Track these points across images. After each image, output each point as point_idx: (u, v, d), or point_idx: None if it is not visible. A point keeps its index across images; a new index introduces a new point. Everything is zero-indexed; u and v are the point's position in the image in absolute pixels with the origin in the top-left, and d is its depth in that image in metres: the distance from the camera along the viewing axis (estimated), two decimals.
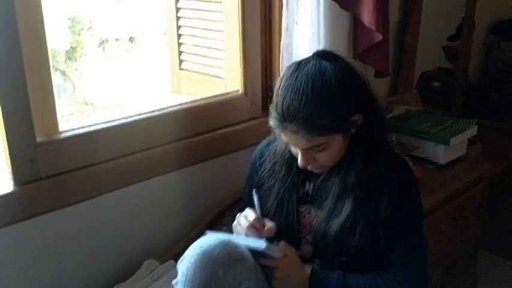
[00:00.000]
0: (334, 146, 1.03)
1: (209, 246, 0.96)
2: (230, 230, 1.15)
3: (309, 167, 1.07)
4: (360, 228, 1.05)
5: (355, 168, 1.05)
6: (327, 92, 0.98)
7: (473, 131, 1.77)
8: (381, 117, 1.11)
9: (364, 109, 1.03)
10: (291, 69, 1.02)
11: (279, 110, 1.00)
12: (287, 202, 1.12)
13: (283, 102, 0.99)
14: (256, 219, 1.06)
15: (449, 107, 2.27)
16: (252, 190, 1.15)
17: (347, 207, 1.05)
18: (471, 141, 1.83)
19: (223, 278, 0.95)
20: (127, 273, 1.31)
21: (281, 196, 1.12)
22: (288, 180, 1.12)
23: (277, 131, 1.04)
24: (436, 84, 2.31)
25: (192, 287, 0.94)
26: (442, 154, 1.70)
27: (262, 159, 1.19)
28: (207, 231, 1.07)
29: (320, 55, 1.03)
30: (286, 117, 0.99)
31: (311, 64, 1.00)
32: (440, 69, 2.35)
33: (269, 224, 1.07)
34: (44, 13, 1.15)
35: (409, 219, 1.09)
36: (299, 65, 1.02)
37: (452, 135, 1.69)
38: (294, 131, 0.99)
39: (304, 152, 1.03)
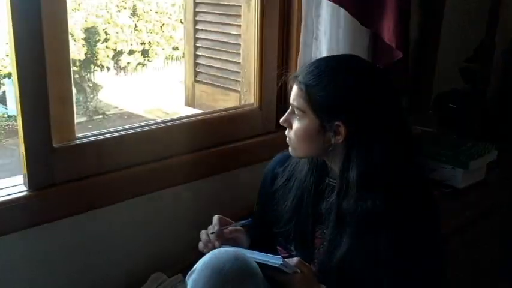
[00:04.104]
0: (304, 125, 1.00)
1: (219, 260, 0.93)
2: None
3: (286, 133, 1.07)
4: (359, 265, 1.00)
5: (353, 197, 0.98)
6: (342, 76, 1.00)
7: (493, 155, 1.73)
8: (400, 145, 1.00)
9: (362, 127, 0.97)
10: None
11: (302, 67, 1.07)
12: (303, 219, 1.08)
13: (307, 63, 1.05)
14: (218, 217, 1.09)
15: (465, 130, 2.22)
16: (262, 204, 1.15)
17: (345, 242, 1.00)
18: (490, 167, 1.78)
19: None
20: (133, 286, 1.28)
21: (297, 207, 1.09)
22: (305, 196, 1.09)
23: (290, 84, 1.07)
24: (453, 106, 2.27)
25: None
26: (459, 178, 1.65)
27: (275, 173, 1.16)
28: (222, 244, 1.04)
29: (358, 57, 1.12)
30: (301, 70, 1.04)
31: (347, 55, 1.16)
32: (457, 90, 2.31)
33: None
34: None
35: (420, 259, 1.00)
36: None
37: (472, 159, 1.65)
38: (298, 81, 1.02)
39: (290, 109, 1.05)
